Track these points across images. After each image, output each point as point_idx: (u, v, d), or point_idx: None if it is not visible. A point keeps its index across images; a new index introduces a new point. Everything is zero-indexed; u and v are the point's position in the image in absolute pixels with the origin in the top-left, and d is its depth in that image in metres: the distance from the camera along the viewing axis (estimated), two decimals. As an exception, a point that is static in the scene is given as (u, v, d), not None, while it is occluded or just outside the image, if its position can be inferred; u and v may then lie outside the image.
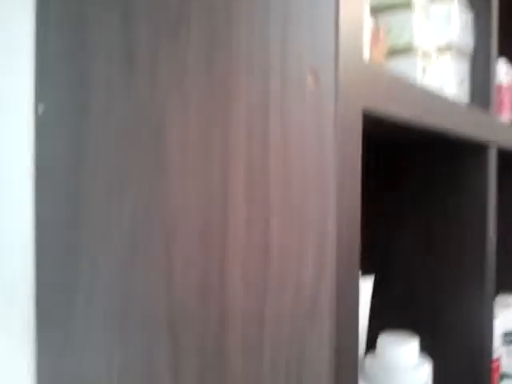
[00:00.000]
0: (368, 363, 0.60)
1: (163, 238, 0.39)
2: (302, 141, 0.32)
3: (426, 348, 0.69)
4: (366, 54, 0.47)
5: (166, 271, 0.39)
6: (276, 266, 0.33)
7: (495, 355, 0.81)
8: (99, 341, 0.44)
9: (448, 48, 0.62)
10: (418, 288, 0.70)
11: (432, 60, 0.58)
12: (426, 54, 0.57)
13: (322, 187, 0.31)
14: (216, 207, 0.36)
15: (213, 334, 0.36)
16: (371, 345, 0.69)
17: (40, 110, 0.52)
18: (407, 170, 0.70)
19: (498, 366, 0.81)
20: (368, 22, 0.47)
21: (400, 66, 0.56)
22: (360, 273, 0.66)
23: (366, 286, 0.64)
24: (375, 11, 0.57)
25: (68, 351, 0.47)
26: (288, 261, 0.32)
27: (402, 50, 0.56)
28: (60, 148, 0.48)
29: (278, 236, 0.33)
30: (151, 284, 0.40)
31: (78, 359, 0.46)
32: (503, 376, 0.89)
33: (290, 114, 0.32)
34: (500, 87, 0.77)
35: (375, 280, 0.73)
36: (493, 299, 0.66)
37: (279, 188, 0.33)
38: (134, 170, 0.41)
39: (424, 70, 0.56)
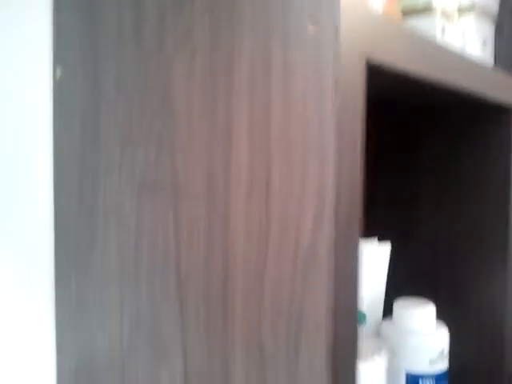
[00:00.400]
0: (384, 327, 0.60)
1: (171, 190, 0.40)
2: (303, 93, 0.32)
3: (445, 319, 0.68)
4: (379, 8, 0.46)
5: (173, 224, 0.40)
6: (276, 219, 0.33)
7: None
8: (112, 291, 0.45)
9: (471, 8, 0.60)
10: (439, 259, 0.69)
11: (453, 20, 0.57)
12: (446, 14, 0.55)
13: (321, 139, 0.31)
14: (219, 162, 0.36)
15: (217, 285, 0.37)
16: (390, 313, 0.69)
17: (58, 74, 0.53)
18: (428, 134, 0.69)
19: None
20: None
21: (419, 25, 0.54)
22: (376, 239, 0.65)
23: (382, 252, 0.64)
24: (394, -30, 0.56)
25: (83, 304, 0.48)
26: (288, 214, 0.33)
27: (422, 10, 0.55)
28: (77, 110, 0.49)
29: (278, 189, 0.33)
30: (160, 238, 0.41)
31: (93, 311, 0.48)
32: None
33: (292, 64, 0.32)
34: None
35: (395, 248, 0.72)
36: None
37: (280, 138, 0.33)
38: (143, 125, 0.42)
39: (443, 30, 0.54)
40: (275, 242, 0.33)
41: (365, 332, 0.62)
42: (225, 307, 0.36)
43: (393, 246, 0.72)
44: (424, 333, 0.57)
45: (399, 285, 0.72)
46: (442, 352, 0.58)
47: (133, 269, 0.44)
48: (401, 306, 0.59)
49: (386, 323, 0.60)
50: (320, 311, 0.31)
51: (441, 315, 0.68)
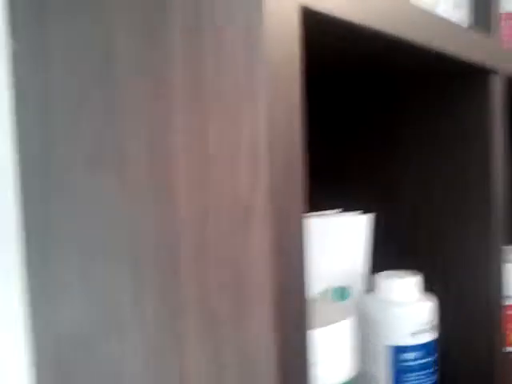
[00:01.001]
0: (364, 301, 0.58)
1: (117, 160, 0.38)
2: (233, 41, 0.30)
3: (433, 291, 0.66)
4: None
5: (121, 193, 0.38)
6: (214, 175, 0.32)
7: (509, 302, 0.77)
8: (73, 269, 0.44)
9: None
10: (423, 228, 0.67)
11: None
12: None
13: (252, 89, 0.29)
14: (157, 119, 0.35)
15: (165, 250, 0.35)
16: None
17: (13, 47, 0.51)
18: (407, 101, 0.67)
19: (516, 312, 0.77)
20: None
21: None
22: (357, 212, 0.63)
23: (361, 224, 0.62)
24: None
25: (49, 285, 0.47)
26: (225, 169, 0.31)
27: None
28: (30, 84, 0.48)
29: (215, 145, 0.31)
30: (109, 209, 0.40)
31: (57, 291, 0.46)
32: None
33: (223, 12, 0.31)
34: (505, 15, 0.73)
35: (378, 222, 0.70)
36: (502, 241, 0.63)
37: (213, 91, 0.31)
38: (86, 95, 0.41)
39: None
40: (215, 200, 0.32)
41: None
42: (175, 271, 0.35)
43: (376, 219, 0.70)
44: (405, 303, 0.55)
45: (389, 261, 0.70)
46: (427, 323, 0.56)
47: (89, 244, 0.42)
48: (382, 277, 0.58)
49: (367, 296, 0.58)
50: (262, 272, 0.29)
51: (428, 286, 0.66)
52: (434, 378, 0.56)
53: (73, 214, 0.44)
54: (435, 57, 0.52)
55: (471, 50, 0.55)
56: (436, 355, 0.57)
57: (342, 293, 0.61)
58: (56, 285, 0.47)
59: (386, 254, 0.70)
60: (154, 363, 0.37)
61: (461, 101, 0.62)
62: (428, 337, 0.55)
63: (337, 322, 0.38)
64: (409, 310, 0.55)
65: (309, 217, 0.60)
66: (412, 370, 0.54)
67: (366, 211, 0.70)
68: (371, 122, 0.71)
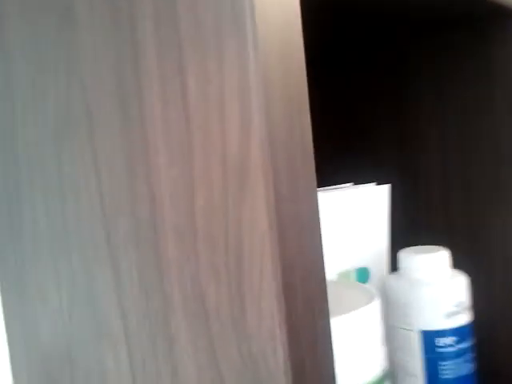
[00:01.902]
0: (390, 282, 0.51)
1: (86, 126, 0.32)
2: None
3: (463, 267, 0.59)
4: None
5: (94, 167, 0.32)
6: (199, 138, 0.25)
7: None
8: (47, 264, 0.38)
9: None
10: (451, 201, 0.60)
11: None
12: None
13: (240, 42, 0.22)
14: (129, 78, 0.28)
15: (146, 230, 0.28)
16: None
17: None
18: (428, 57, 0.60)
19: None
20: None
21: None
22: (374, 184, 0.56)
23: (379, 196, 0.55)
24: None
25: (24, 284, 0.41)
26: (210, 125, 0.24)
27: None
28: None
29: (195, 95, 0.25)
30: (82, 188, 0.33)
31: (33, 290, 0.40)
32: None
33: None
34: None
35: (399, 194, 0.63)
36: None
37: (190, 27, 0.24)
38: (49, 57, 0.34)
39: None
40: (200, 162, 0.25)
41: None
42: (157, 255, 0.28)
43: (396, 191, 0.63)
44: (436, 282, 0.48)
45: (409, 236, 0.63)
46: (461, 304, 0.49)
47: (62, 232, 0.36)
48: (407, 254, 0.51)
49: (392, 277, 0.52)
50: (262, 246, 0.22)
51: (458, 263, 0.59)
52: (472, 365, 0.49)
53: (44, 199, 0.37)
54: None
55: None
56: (473, 340, 0.51)
57: (362, 274, 0.54)
58: (31, 291, 0.40)
59: (400, 231, 0.63)
60: (143, 368, 0.31)
61: (484, 51, 0.55)
62: (463, 319, 0.48)
63: (359, 307, 0.31)
64: (441, 288, 0.48)
65: (321, 190, 0.53)
66: (447, 356, 0.48)
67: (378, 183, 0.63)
68: (393, 84, 0.64)
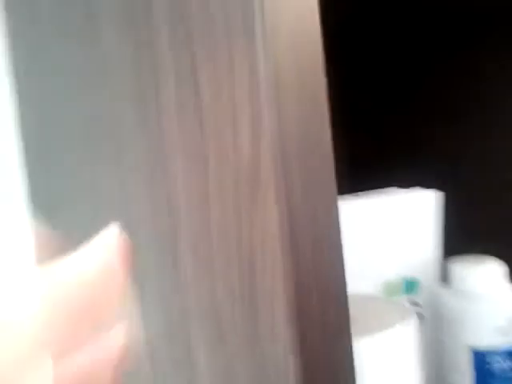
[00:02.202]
0: (438, 295, 0.48)
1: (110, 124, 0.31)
2: None
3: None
4: None
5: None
6: (210, 130, 0.23)
7: None
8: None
9: None
10: (506, 207, 0.56)
11: None
12: None
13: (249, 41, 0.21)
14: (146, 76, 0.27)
15: (166, 241, 0.27)
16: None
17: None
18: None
19: None
20: None
21: None
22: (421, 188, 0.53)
23: (428, 202, 0.52)
24: None
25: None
26: (223, 125, 0.23)
27: None
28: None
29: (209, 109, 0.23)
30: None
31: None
32: None
33: None
34: None
35: (449, 201, 0.59)
36: None
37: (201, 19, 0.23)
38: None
39: None
40: (214, 171, 0.24)
41: (419, 302, 0.51)
42: (176, 268, 0.27)
43: (448, 198, 0.59)
44: (490, 295, 0.45)
45: (459, 244, 0.59)
46: (517, 320, 0.45)
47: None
48: (458, 264, 0.47)
49: (442, 289, 0.48)
50: (273, 262, 0.21)
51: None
52: (531, 386, 0.45)
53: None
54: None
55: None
56: (532, 358, 0.46)
57: (409, 285, 0.51)
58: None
59: (452, 240, 0.59)
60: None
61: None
62: (520, 336, 0.45)
63: (391, 326, 0.29)
64: (495, 302, 0.44)
65: (362, 196, 0.51)
66: (501, 377, 0.44)
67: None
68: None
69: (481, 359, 0.44)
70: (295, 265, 0.20)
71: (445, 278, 0.52)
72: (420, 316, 0.50)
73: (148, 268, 0.29)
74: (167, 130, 0.26)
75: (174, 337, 0.28)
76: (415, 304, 0.50)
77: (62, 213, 0.39)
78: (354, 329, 0.22)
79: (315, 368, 0.20)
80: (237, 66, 0.22)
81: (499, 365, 0.44)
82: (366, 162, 0.62)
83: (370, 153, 0.64)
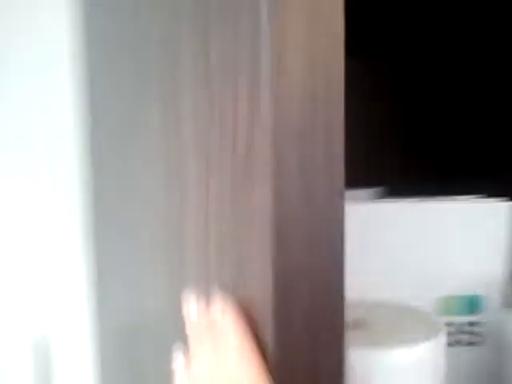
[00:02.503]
0: (503, 318, 0.42)
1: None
2: None
3: None
4: None
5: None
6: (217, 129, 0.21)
7: None
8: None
9: None
10: None
11: None
12: None
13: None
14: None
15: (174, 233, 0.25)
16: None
17: None
18: None
19: None
20: None
21: None
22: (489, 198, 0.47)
23: (496, 214, 0.46)
24: None
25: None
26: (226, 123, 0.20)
27: None
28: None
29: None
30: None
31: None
32: None
33: None
34: None
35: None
36: None
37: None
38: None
39: None
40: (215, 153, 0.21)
41: (482, 321, 0.45)
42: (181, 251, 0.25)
43: None
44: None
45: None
46: None
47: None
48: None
49: (506, 311, 0.43)
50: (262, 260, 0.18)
51: None
52: None
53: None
54: None
55: None
56: None
57: (470, 304, 0.45)
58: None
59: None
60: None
61: None
62: None
63: (414, 342, 0.24)
64: None
65: (419, 202, 0.46)
66: None
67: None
68: None
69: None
70: (281, 254, 0.17)
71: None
72: (479, 340, 0.44)
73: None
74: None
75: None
76: (475, 325, 0.45)
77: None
78: (367, 338, 0.19)
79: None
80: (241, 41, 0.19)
81: None
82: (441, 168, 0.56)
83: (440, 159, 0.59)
